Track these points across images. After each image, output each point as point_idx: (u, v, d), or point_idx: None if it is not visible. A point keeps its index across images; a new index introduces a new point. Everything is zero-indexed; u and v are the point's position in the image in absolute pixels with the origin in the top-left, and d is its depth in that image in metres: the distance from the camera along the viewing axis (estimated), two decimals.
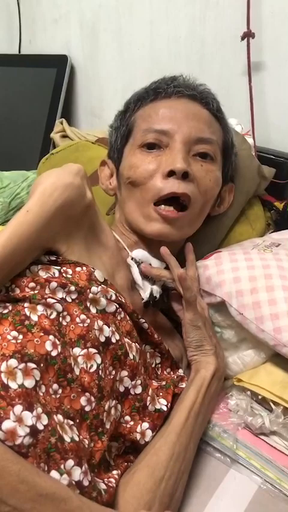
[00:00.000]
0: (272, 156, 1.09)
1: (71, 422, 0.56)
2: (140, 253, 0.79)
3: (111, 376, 0.63)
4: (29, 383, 0.53)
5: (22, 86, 1.57)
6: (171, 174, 0.74)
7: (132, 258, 0.78)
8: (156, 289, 0.78)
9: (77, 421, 0.56)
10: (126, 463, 0.64)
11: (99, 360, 0.61)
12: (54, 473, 0.50)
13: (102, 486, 0.56)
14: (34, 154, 1.42)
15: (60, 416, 0.54)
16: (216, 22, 1.15)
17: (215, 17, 1.15)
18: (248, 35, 1.06)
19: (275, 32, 1.07)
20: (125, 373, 0.65)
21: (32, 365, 0.54)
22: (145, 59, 1.33)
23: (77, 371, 0.59)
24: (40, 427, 0.51)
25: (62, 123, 1.42)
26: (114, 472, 0.61)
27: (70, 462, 0.52)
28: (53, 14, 1.51)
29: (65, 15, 1.48)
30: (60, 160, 1.13)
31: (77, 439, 0.54)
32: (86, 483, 0.53)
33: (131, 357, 0.65)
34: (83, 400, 0.58)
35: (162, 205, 0.75)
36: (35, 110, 1.52)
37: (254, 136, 1.08)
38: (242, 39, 1.07)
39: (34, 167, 1.24)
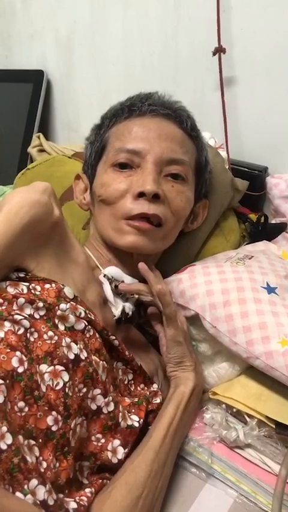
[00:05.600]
0: (245, 169, 1.11)
1: (33, 443, 0.54)
2: (113, 270, 0.78)
3: (81, 394, 0.62)
4: None
5: None
6: (141, 195, 0.75)
7: (104, 275, 0.77)
8: (129, 306, 0.77)
9: (40, 440, 0.55)
10: (101, 480, 0.63)
11: (66, 378, 0.60)
12: (18, 495, 0.49)
13: (73, 505, 0.55)
14: (11, 169, 1.41)
15: (20, 438, 0.53)
16: (189, 38, 1.17)
17: (187, 33, 1.17)
18: (219, 51, 1.08)
19: (245, 47, 1.08)
20: (98, 391, 0.64)
21: None
22: (120, 74, 1.34)
23: (43, 388, 0.58)
24: (3, 446, 0.50)
25: (39, 137, 1.41)
26: (87, 490, 0.60)
27: (34, 481, 0.51)
28: (28, 29, 1.52)
29: (40, 31, 1.49)
30: (36, 175, 1.12)
31: (35, 461, 0.53)
32: (51, 502, 0.52)
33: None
34: (49, 420, 0.57)
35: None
36: (12, 125, 1.52)
37: (228, 149, 1.09)
38: (214, 54, 1.08)
39: (11, 182, 1.23)
